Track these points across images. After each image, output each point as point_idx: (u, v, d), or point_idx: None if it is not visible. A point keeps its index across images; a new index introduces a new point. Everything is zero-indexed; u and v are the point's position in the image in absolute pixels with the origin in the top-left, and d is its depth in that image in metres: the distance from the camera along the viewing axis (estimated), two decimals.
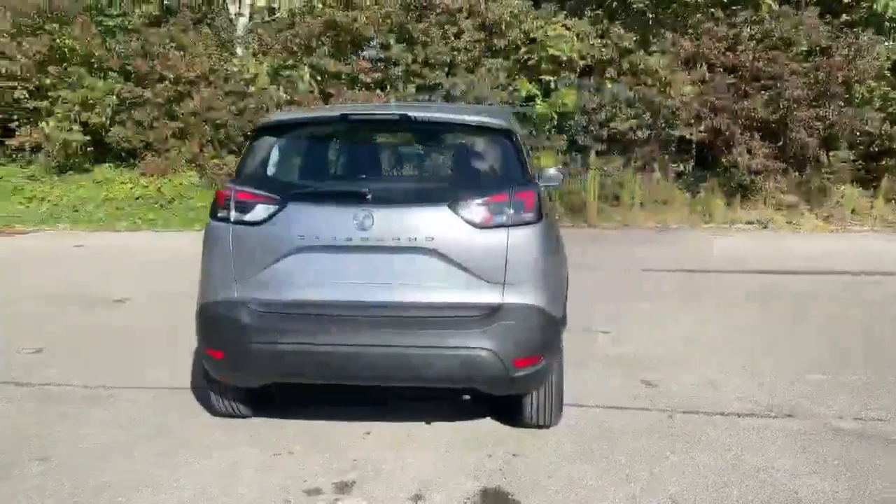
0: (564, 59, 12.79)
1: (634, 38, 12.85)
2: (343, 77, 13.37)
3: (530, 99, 13.03)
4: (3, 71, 13.02)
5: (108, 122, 13.27)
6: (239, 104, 13.21)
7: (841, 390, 4.32)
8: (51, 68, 13.32)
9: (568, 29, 12.81)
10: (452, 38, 12.99)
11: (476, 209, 3.20)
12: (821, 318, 6.12)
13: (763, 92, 12.43)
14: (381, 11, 12.93)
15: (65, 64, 13.51)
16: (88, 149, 13.48)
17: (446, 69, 13.09)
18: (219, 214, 3.36)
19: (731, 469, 3.31)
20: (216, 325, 3.33)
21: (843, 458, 3.44)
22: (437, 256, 3.18)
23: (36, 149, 13.44)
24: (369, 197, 3.26)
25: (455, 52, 13.00)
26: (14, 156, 13.84)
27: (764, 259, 9.00)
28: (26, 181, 13.34)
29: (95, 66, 13.66)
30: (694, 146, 13.28)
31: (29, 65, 13.19)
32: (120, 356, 5.01)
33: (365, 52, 13.42)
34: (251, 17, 14.68)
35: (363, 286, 3.24)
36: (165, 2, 14.24)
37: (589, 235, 11.73)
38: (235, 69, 13.57)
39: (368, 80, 13.23)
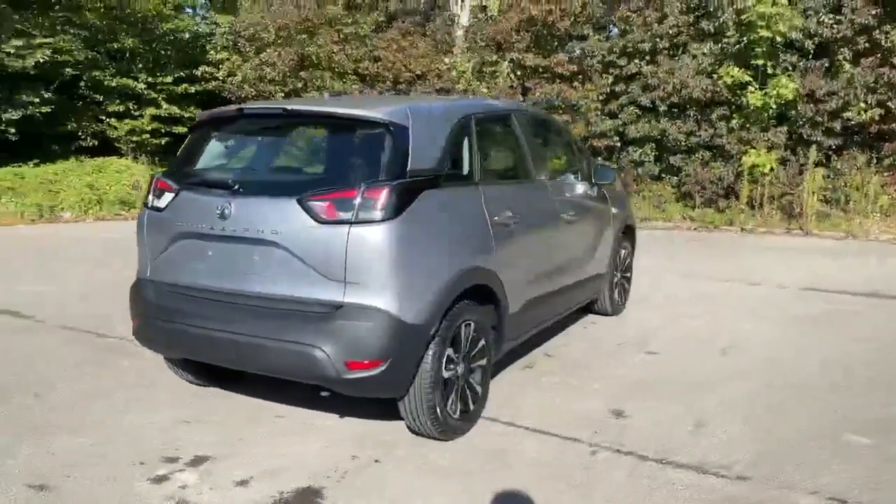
0: (784, 39, 10.99)
1: (875, 11, 10.53)
2: (541, 71, 13.17)
3: (741, 87, 11.45)
4: (268, 77, 15.28)
5: None
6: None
7: None
8: (302, 73, 15.27)
9: (790, 4, 10.96)
10: (655, 25, 11.97)
11: (320, 204, 3.00)
12: None
13: None
14: (578, 1, 12.43)
15: (311, 69, 15.37)
16: None
17: (647, 58, 12.12)
18: (145, 201, 3.66)
19: None
20: (134, 298, 3.65)
21: None
22: (283, 250, 3.02)
23: None
24: (236, 188, 3.28)
25: (657, 39, 11.96)
26: None
27: None
28: None
29: (336, 70, 15.32)
30: None
31: (285, 71, 15.29)
32: None
33: (567, 46, 13.03)
34: (471, 17, 15.16)
35: (223, 274, 3.23)
36: (391, 9, 15.35)
37: (788, 245, 10.02)
38: (445, 67, 14.18)
39: (565, 72, 12.86)
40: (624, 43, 12.04)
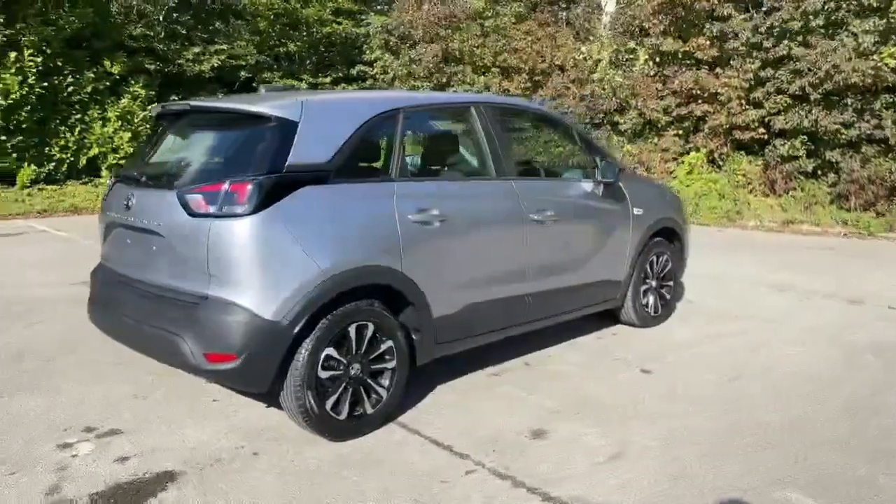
0: None
1: None
2: (680, 56, 12.15)
3: None
4: (416, 73, 15.78)
5: None
6: (582, 90, 13.30)
7: None
8: (445, 68, 15.56)
9: None
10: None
11: (192, 197, 3.07)
12: None
13: None
14: None
15: (454, 63, 15.60)
16: None
17: (798, 38, 10.65)
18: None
19: None
20: (91, 281, 4.02)
21: None
22: (164, 240, 3.19)
23: None
24: (141, 180, 3.47)
25: (809, 17, 10.47)
26: None
27: None
28: None
29: (478, 64, 15.40)
30: None
31: (430, 66, 15.68)
32: None
33: (706, 28, 11.88)
34: (617, 4, 14.41)
35: (132, 262, 3.46)
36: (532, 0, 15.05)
37: None
38: (581, 57, 13.64)
39: (706, 57, 11.74)
40: (771, 22, 10.70)
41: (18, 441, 3.28)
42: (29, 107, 12.03)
